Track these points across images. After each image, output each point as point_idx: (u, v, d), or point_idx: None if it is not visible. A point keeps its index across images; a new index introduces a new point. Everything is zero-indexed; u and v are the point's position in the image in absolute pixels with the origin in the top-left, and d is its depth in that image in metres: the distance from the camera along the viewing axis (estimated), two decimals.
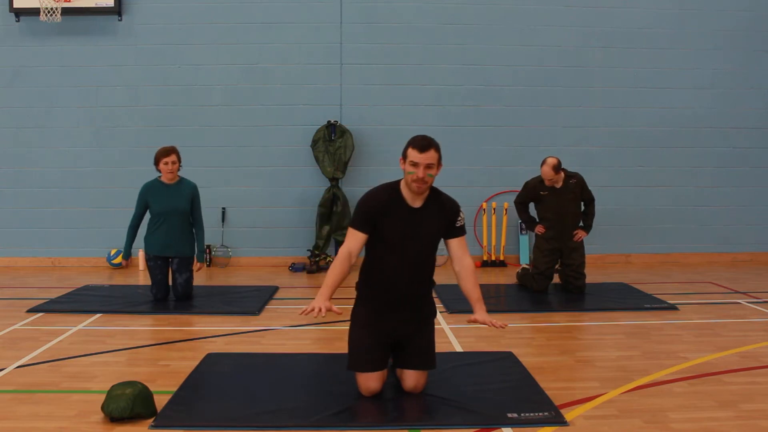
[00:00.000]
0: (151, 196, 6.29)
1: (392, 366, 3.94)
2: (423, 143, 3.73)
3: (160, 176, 6.37)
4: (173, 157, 6.28)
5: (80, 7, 8.27)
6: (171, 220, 6.33)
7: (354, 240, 3.70)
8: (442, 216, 3.80)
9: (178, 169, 6.36)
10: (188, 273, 6.43)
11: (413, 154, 3.70)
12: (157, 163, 6.29)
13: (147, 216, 6.42)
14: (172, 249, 6.37)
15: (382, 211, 3.71)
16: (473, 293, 3.74)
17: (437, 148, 3.78)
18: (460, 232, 3.84)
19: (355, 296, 3.95)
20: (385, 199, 3.74)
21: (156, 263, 6.37)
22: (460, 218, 3.85)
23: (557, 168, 6.68)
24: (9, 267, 8.50)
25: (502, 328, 3.62)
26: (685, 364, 4.52)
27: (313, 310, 3.46)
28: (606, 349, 4.93)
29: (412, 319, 3.83)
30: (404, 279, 3.75)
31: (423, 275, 3.82)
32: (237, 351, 4.82)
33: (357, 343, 3.80)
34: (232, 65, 8.54)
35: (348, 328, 3.92)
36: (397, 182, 3.83)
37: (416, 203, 3.77)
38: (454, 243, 3.84)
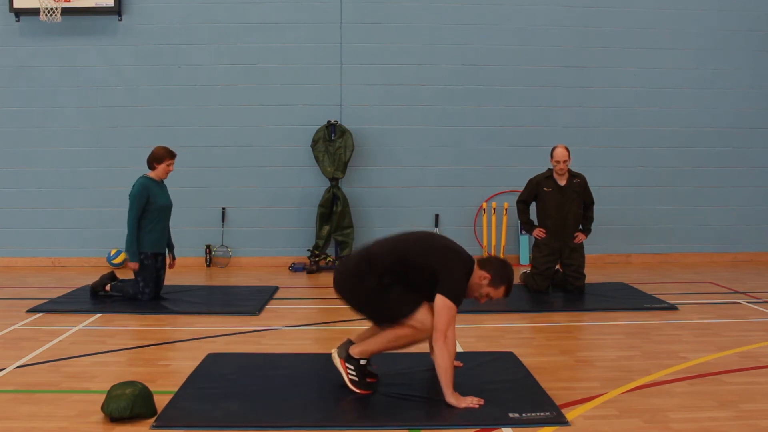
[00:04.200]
0: (152, 194, 6.29)
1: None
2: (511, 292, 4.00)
3: (147, 174, 6.39)
4: (174, 160, 6.43)
5: (80, 7, 8.26)
6: (166, 216, 6.50)
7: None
8: None
9: None
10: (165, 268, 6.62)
11: (501, 294, 3.93)
12: (160, 161, 6.31)
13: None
14: (163, 245, 6.51)
15: None
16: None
17: None
18: None
19: (367, 279, 3.83)
20: None
21: (152, 261, 6.39)
22: None
23: (569, 151, 6.76)
24: (9, 267, 8.50)
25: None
26: (685, 364, 4.52)
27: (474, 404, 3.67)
28: (606, 349, 4.94)
29: None
30: None
31: None
32: (237, 351, 4.82)
33: (397, 297, 3.85)
34: (232, 65, 8.54)
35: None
36: (472, 270, 3.92)
37: None
38: None
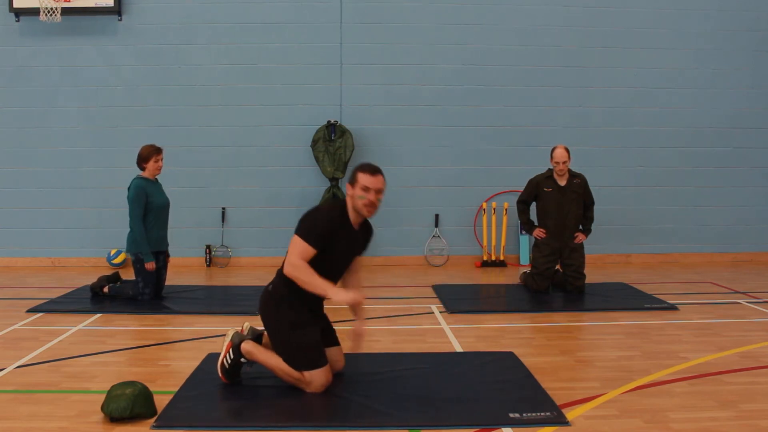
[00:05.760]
0: (149, 194, 6.30)
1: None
2: (373, 168, 3.90)
3: (140, 174, 6.39)
4: (162, 155, 6.44)
5: (80, 7, 8.27)
6: (165, 214, 6.51)
7: (307, 253, 3.79)
8: (367, 237, 4.16)
9: None
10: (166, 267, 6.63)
11: (365, 179, 3.86)
12: (146, 160, 6.33)
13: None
14: (164, 243, 6.51)
15: (335, 232, 3.87)
16: None
17: (383, 174, 3.93)
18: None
19: (273, 302, 3.97)
20: (338, 222, 3.90)
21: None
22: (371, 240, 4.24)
23: (568, 152, 6.76)
24: (9, 267, 8.50)
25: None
26: (685, 364, 4.52)
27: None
28: (606, 349, 4.93)
29: (323, 311, 4.26)
30: (334, 283, 4.02)
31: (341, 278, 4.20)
32: None
33: (305, 343, 3.91)
34: (232, 65, 8.54)
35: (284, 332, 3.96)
36: (344, 204, 3.97)
37: (356, 225, 3.98)
38: (359, 259, 4.20)
